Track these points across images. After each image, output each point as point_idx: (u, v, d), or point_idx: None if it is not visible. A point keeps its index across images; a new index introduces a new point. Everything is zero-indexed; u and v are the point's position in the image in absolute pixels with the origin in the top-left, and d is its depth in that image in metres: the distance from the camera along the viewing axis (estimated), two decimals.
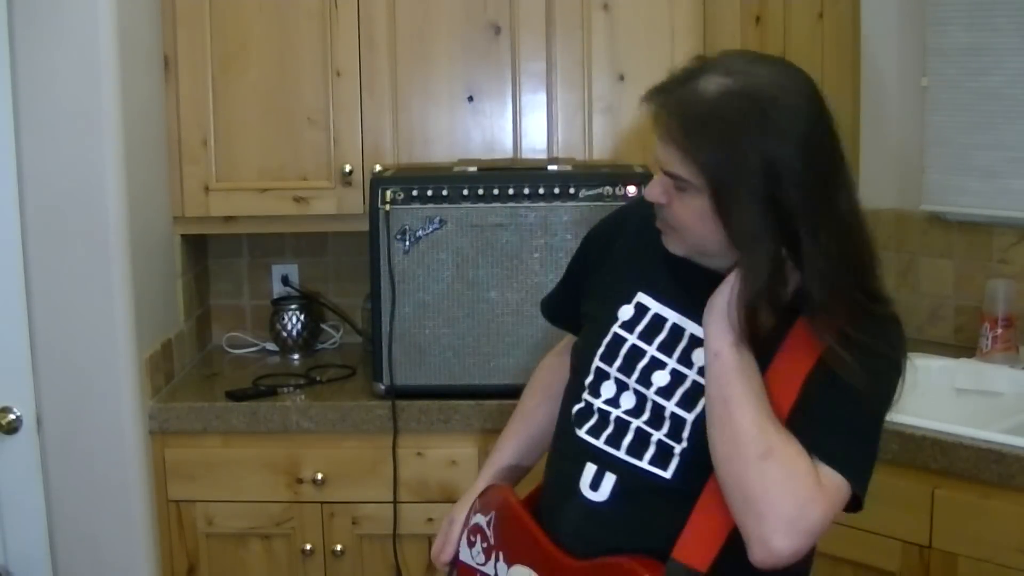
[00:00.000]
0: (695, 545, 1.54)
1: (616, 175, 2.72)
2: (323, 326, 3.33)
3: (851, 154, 3.14)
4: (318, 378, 2.97)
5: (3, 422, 2.55)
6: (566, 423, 1.71)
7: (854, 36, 3.14)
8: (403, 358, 2.73)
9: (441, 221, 2.70)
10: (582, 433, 1.66)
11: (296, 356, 3.20)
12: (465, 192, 2.69)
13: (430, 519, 2.76)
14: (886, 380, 1.59)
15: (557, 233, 2.68)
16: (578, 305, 1.81)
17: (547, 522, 1.69)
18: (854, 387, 1.52)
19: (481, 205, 2.69)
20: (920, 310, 3.17)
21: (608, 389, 1.66)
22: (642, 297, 1.67)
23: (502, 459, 1.93)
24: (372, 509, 2.76)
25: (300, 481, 2.76)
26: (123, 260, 2.63)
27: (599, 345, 1.67)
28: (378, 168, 2.91)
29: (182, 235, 3.04)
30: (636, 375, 1.63)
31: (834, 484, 1.49)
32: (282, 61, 2.93)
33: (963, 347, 3.00)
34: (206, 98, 2.93)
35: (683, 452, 1.59)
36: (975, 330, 2.92)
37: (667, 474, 1.59)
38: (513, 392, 2.70)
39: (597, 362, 1.67)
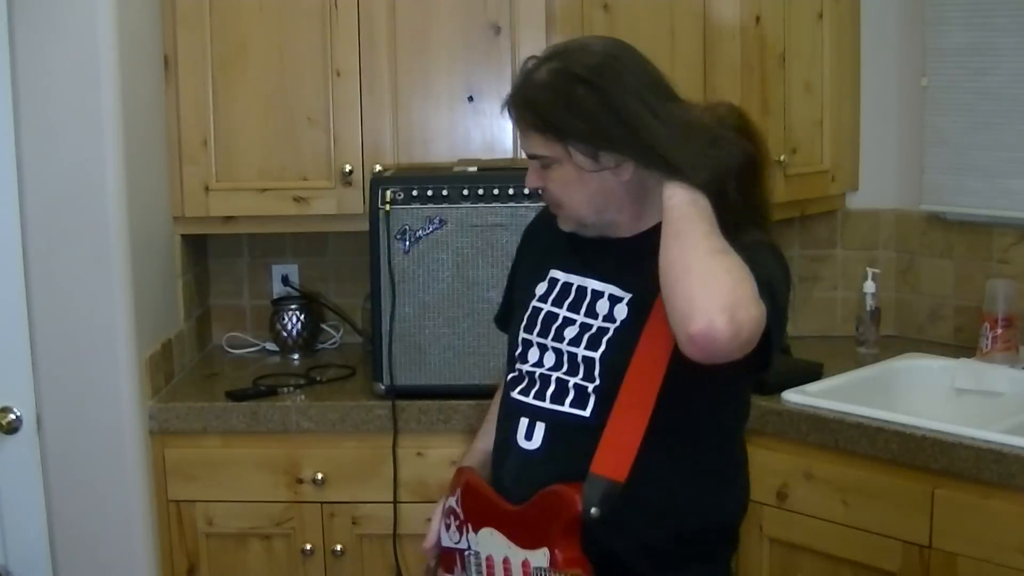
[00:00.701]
0: (610, 458, 1.71)
1: None
2: (323, 326, 3.33)
3: (851, 154, 3.16)
4: (318, 378, 2.97)
5: (3, 422, 2.55)
6: (505, 393, 1.94)
7: (854, 36, 3.14)
8: (403, 358, 2.73)
9: (441, 221, 2.70)
10: (515, 394, 1.88)
11: (296, 356, 3.20)
12: (465, 192, 2.69)
13: (430, 519, 2.75)
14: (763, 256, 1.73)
15: None
16: None
17: (495, 481, 1.90)
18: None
19: (481, 205, 2.69)
20: (920, 310, 3.17)
21: (533, 354, 1.88)
22: (553, 272, 1.91)
23: (477, 446, 2.11)
24: (372, 509, 2.76)
25: (300, 481, 2.76)
26: (123, 260, 2.63)
27: (522, 320, 1.91)
28: (378, 168, 2.91)
29: (182, 235, 3.04)
30: (552, 335, 1.85)
31: (762, 308, 1.61)
32: (282, 61, 2.93)
33: (963, 347, 3.00)
34: (206, 98, 2.93)
35: (596, 389, 1.78)
36: (975, 330, 2.92)
37: (586, 413, 1.79)
38: None
39: (522, 334, 1.90)
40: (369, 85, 2.93)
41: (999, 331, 2.83)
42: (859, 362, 2.97)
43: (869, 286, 3.06)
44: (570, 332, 1.83)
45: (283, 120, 2.94)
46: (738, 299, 1.57)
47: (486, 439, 2.06)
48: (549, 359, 1.85)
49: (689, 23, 2.88)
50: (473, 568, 1.89)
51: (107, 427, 2.64)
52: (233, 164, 2.96)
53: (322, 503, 2.77)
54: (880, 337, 3.08)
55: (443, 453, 2.74)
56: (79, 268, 2.59)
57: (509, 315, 2.04)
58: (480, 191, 2.69)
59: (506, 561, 1.82)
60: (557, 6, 2.90)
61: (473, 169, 2.80)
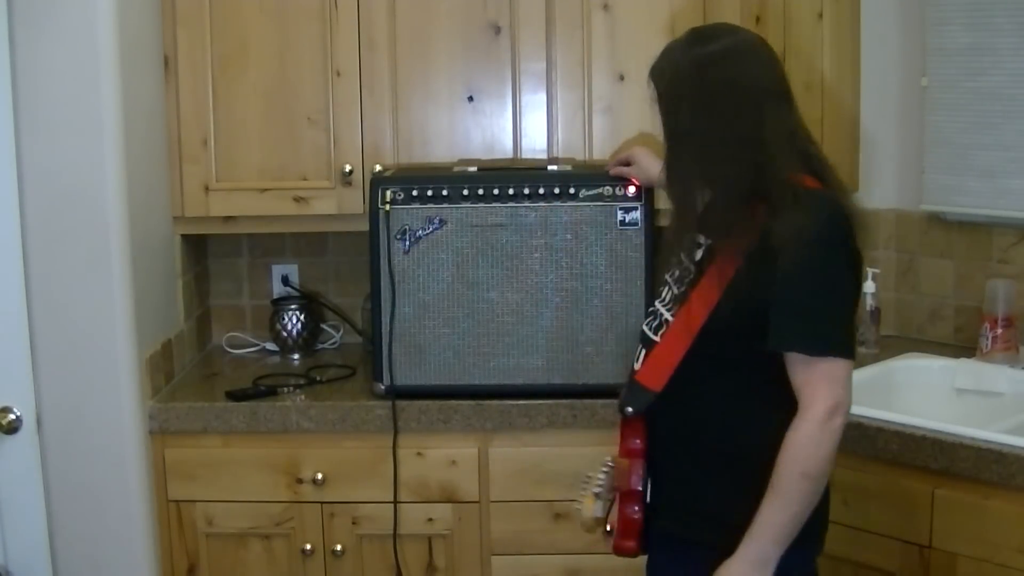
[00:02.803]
0: (652, 370, 2.02)
1: (616, 175, 2.72)
2: (323, 326, 3.33)
3: (851, 154, 3.16)
4: (318, 378, 2.97)
5: (3, 422, 2.55)
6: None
7: (854, 36, 3.14)
8: (403, 358, 2.73)
9: (441, 221, 2.70)
10: (643, 326, 2.12)
11: (296, 356, 3.20)
12: (465, 192, 2.69)
13: (430, 519, 2.76)
14: (812, 254, 1.88)
15: (557, 233, 2.68)
16: None
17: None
18: (790, 276, 1.87)
19: (481, 205, 2.69)
20: (920, 310, 3.17)
21: (664, 292, 2.10)
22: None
23: None
24: (372, 509, 2.76)
25: (300, 481, 2.76)
26: (123, 260, 2.63)
27: (669, 263, 2.11)
28: (378, 168, 2.91)
29: (182, 235, 3.04)
30: (671, 276, 2.08)
31: (828, 368, 1.87)
32: (282, 61, 2.93)
33: (963, 347, 3.00)
34: (206, 98, 2.93)
35: (668, 329, 2.04)
36: (975, 330, 2.92)
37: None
38: (513, 392, 2.73)
39: (666, 276, 2.12)
40: (369, 85, 2.93)
41: (999, 331, 2.83)
42: (859, 362, 2.95)
43: (869, 286, 3.06)
44: (678, 273, 2.06)
45: (283, 120, 2.95)
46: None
47: None
48: (667, 296, 2.08)
49: (689, 23, 2.86)
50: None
51: (107, 427, 2.64)
52: (233, 164, 2.96)
53: (322, 503, 2.77)
54: (880, 337, 3.08)
55: (443, 453, 2.74)
56: (79, 268, 2.59)
57: None
58: (480, 191, 2.69)
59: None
60: (557, 6, 2.90)
61: (473, 169, 2.80)
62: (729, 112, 1.94)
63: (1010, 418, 2.49)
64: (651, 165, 2.58)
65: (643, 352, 2.08)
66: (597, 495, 1.94)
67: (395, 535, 2.75)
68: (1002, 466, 2.27)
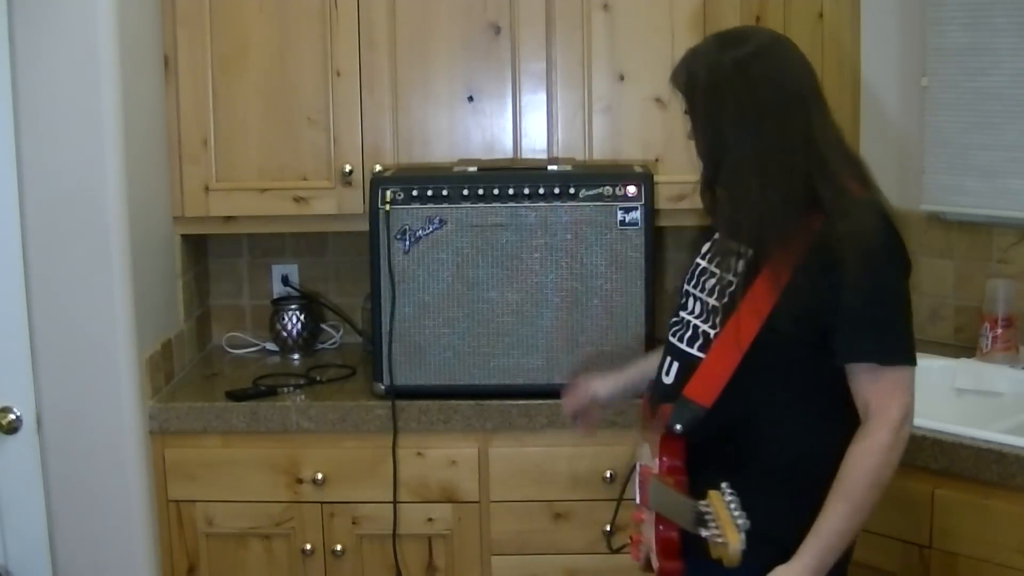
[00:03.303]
0: (701, 386, 1.94)
1: (616, 175, 2.72)
2: (323, 326, 3.33)
3: None
4: (318, 378, 2.97)
5: (3, 422, 2.55)
6: (666, 336, 2.12)
7: (854, 36, 3.14)
8: (403, 358, 2.73)
9: (441, 221, 2.70)
10: (669, 336, 2.09)
11: (296, 356, 3.20)
12: (465, 192, 2.69)
13: (430, 519, 2.76)
14: (874, 264, 1.86)
15: (557, 233, 2.68)
16: None
17: (652, 408, 2.10)
18: (854, 286, 1.85)
19: (481, 205, 2.69)
20: (920, 310, 3.15)
21: (690, 303, 2.06)
22: (717, 232, 2.05)
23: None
24: (372, 509, 2.76)
25: (300, 481, 2.76)
26: (123, 260, 2.63)
27: (686, 274, 2.10)
28: (378, 168, 2.91)
29: (182, 235, 3.04)
30: (699, 286, 2.04)
31: (896, 376, 1.87)
32: (282, 61, 2.93)
33: (963, 347, 3.00)
34: (206, 98, 2.93)
35: (716, 336, 1.96)
36: (975, 330, 2.92)
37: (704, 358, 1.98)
38: (513, 392, 2.73)
39: (685, 286, 2.09)
40: (369, 85, 2.93)
41: (999, 331, 2.83)
42: None
43: None
44: (710, 283, 2.01)
45: (283, 120, 2.95)
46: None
47: (631, 370, 2.34)
48: (696, 307, 2.03)
49: (689, 23, 2.88)
50: (636, 477, 2.14)
51: (107, 427, 2.64)
52: (233, 164, 2.96)
53: (322, 503, 2.77)
54: None
55: (443, 453, 2.74)
56: (79, 268, 2.59)
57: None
58: (480, 191, 2.69)
59: (644, 468, 2.07)
60: (557, 6, 2.90)
61: (473, 169, 2.80)
62: (780, 115, 1.88)
63: (1010, 418, 2.49)
64: (600, 385, 2.36)
65: (676, 366, 2.03)
66: (739, 526, 1.73)
67: (395, 535, 2.75)
68: (1002, 466, 2.27)
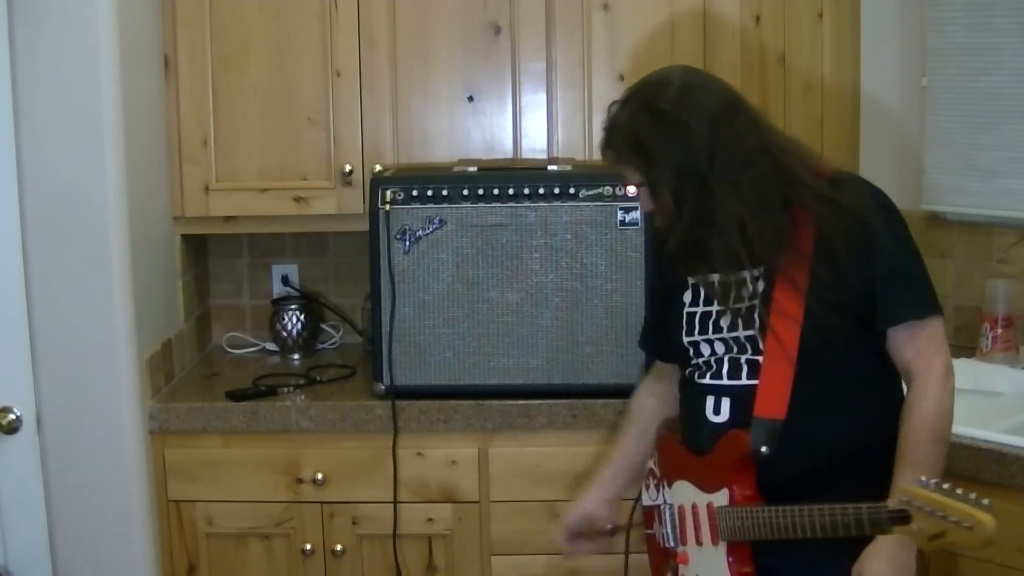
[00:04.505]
0: (768, 401, 1.94)
1: (616, 175, 2.71)
2: (323, 326, 3.33)
3: (851, 154, 3.15)
4: (318, 378, 2.97)
5: (3, 422, 2.55)
6: (685, 381, 2.12)
7: (854, 36, 3.14)
8: (403, 358, 2.73)
9: (441, 221, 2.70)
10: (699, 380, 2.06)
11: (296, 356, 3.20)
12: (465, 192, 2.69)
13: (430, 519, 2.76)
14: (885, 224, 1.95)
15: (557, 233, 2.68)
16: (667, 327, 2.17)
17: (691, 448, 2.09)
18: (880, 251, 1.92)
19: (481, 205, 2.69)
20: None
21: (704, 349, 2.06)
22: (690, 280, 2.07)
23: (615, 458, 2.35)
24: (372, 509, 2.76)
25: (300, 481, 2.76)
26: (123, 260, 2.63)
27: (682, 328, 2.09)
28: (378, 168, 2.92)
29: (182, 235, 3.05)
30: (712, 330, 2.04)
31: (931, 330, 1.96)
32: (282, 61, 2.93)
33: (963, 347, 2.99)
34: (206, 98, 2.93)
35: (764, 359, 1.97)
36: (975, 330, 2.92)
37: (758, 380, 1.98)
38: (513, 392, 2.73)
39: (685, 339, 2.08)
40: (369, 85, 2.93)
41: (999, 331, 2.83)
42: None
43: None
44: (725, 321, 2.02)
45: (283, 120, 2.95)
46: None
47: (623, 453, 2.32)
48: (719, 348, 2.04)
49: (689, 23, 2.88)
50: (668, 519, 2.14)
51: (107, 427, 2.64)
52: (233, 164, 2.96)
53: (322, 503, 2.77)
54: None
55: (443, 453, 2.74)
56: (79, 268, 2.59)
57: (653, 334, 2.26)
58: (480, 191, 2.69)
59: (694, 507, 2.05)
60: (557, 6, 2.90)
61: (473, 169, 2.81)
62: (728, 134, 1.92)
63: (1010, 418, 2.49)
64: (592, 503, 2.34)
65: (726, 401, 2.01)
66: (983, 505, 1.72)
67: (395, 535, 2.75)
68: (1002, 466, 2.27)
